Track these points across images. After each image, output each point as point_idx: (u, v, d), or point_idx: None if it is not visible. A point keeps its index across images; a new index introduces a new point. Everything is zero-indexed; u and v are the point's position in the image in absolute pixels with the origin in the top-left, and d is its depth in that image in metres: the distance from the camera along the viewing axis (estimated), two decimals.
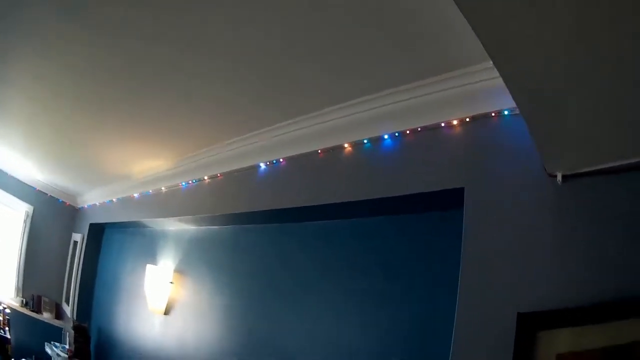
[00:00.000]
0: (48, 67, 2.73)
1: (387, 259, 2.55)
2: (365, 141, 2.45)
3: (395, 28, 1.90)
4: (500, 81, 1.87)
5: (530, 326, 1.73)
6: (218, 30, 2.08)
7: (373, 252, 2.62)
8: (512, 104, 1.88)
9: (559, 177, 1.84)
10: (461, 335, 1.91)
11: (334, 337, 2.71)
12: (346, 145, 2.53)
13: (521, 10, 1.15)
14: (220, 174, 3.40)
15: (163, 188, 4.18)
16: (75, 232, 6.81)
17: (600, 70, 1.33)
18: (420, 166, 2.21)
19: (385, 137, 2.35)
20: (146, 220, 4.59)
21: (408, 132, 2.25)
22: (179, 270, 4.22)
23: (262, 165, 3.02)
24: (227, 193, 3.36)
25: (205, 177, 3.58)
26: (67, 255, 6.80)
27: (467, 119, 2.09)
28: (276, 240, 3.28)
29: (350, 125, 2.47)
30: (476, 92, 2.04)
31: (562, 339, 1.69)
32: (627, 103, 1.44)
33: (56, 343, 5.85)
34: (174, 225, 4.32)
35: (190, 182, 3.76)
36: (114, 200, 5.45)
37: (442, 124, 2.16)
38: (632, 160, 1.67)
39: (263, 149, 3.03)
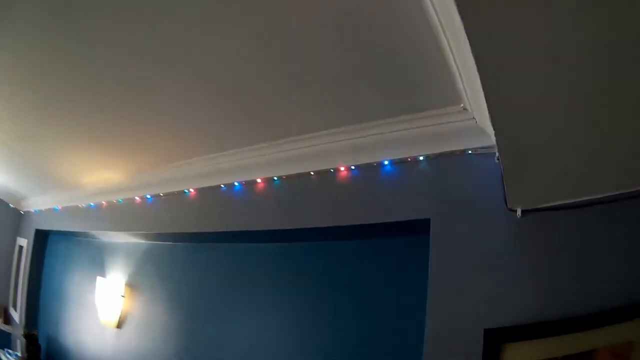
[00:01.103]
0: (19, 61, 2.62)
1: (352, 281, 2.64)
2: (331, 170, 2.53)
3: (376, 66, 2.00)
4: (466, 123, 2.05)
5: (496, 340, 1.98)
6: (193, 51, 2.09)
7: (338, 274, 2.70)
8: (476, 144, 2.07)
9: (519, 212, 2.09)
10: (432, 350, 2.12)
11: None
12: (312, 172, 2.62)
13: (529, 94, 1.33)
14: (190, 190, 3.37)
15: (116, 200, 4.09)
16: (20, 236, 6.53)
17: (577, 133, 1.57)
18: (390, 197, 2.36)
19: (355, 167, 2.44)
20: (95, 232, 4.48)
21: (376, 164, 2.39)
22: (130, 284, 4.15)
23: (223, 187, 3.02)
24: (183, 211, 3.34)
25: (161, 194, 3.53)
26: (13, 260, 6.53)
27: (435, 156, 2.27)
28: (234, 260, 3.30)
29: (321, 154, 2.54)
30: (444, 132, 2.22)
31: (526, 351, 1.95)
32: (590, 158, 1.70)
33: (9, 350, 5.63)
34: (124, 238, 4.24)
35: (146, 197, 3.69)
36: (61, 207, 5.26)
37: (410, 159, 2.33)
38: (581, 199, 1.97)
39: (223, 171, 3.04)
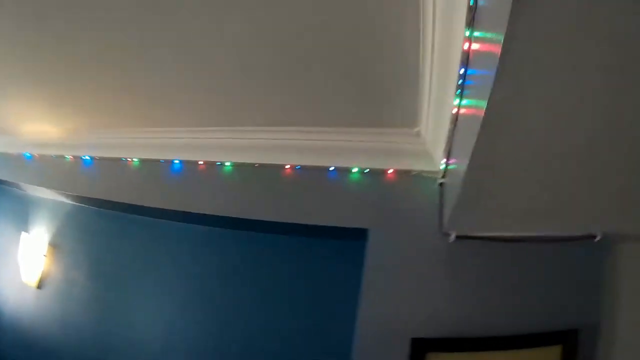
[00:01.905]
0: None
1: (285, 275, 2.71)
2: (283, 166, 2.56)
3: (350, 78, 2.05)
4: (416, 147, 2.17)
5: (421, 349, 2.17)
6: (171, 22, 1.96)
7: (271, 266, 2.75)
8: (421, 167, 2.22)
9: (453, 237, 2.26)
10: (360, 353, 2.25)
11: (195, 331, 2.85)
12: (261, 164, 2.64)
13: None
14: (130, 159, 3.27)
15: (51, 156, 3.92)
16: None
17: (533, 191, 1.77)
18: (333, 202, 2.45)
19: (303, 167, 2.51)
20: (24, 184, 4.29)
21: (324, 169, 2.47)
22: (54, 244, 4.02)
23: (177, 162, 2.96)
24: (118, 180, 3.23)
25: (97, 157, 3.41)
26: None
27: (381, 171, 2.39)
28: (163, 237, 3.25)
29: (273, 149, 2.56)
30: (394, 150, 2.35)
31: None
32: (531, 205, 1.89)
33: None
34: (51, 195, 4.08)
35: (81, 158, 3.57)
36: None
37: (357, 170, 2.44)
38: (511, 234, 2.21)
39: (168, 146, 2.98)
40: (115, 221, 3.49)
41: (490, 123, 1.24)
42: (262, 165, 2.58)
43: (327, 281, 2.61)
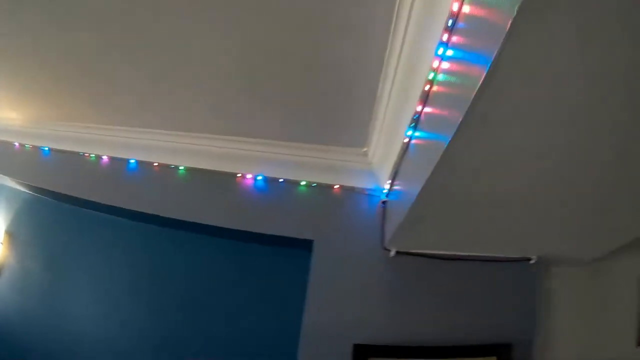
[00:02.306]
0: None
1: (231, 278, 2.74)
2: (236, 174, 2.59)
3: (310, 97, 2.12)
4: (362, 165, 2.24)
5: (363, 354, 2.29)
6: (137, 24, 1.97)
7: (218, 269, 2.78)
8: (366, 185, 2.32)
9: (393, 252, 2.37)
10: (306, 356, 2.33)
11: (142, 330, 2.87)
12: (218, 172, 2.65)
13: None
14: (87, 154, 3.24)
15: (11, 142, 3.88)
16: None
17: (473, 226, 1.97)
18: (281, 212, 2.52)
19: (257, 177, 2.55)
20: None
21: (281, 180, 2.53)
22: (10, 232, 3.99)
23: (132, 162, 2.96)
24: (75, 173, 3.22)
25: (55, 148, 3.38)
26: None
27: (329, 186, 2.48)
28: (115, 234, 3.22)
29: (227, 158, 2.59)
30: (341, 167, 2.46)
31: None
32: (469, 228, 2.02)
33: None
34: (8, 182, 4.04)
35: (41, 149, 3.54)
36: None
37: (305, 183, 2.52)
38: (447, 253, 2.36)
39: (129, 146, 2.97)
40: (70, 214, 3.48)
41: (447, 161, 1.35)
42: (214, 172, 2.62)
43: (274, 287, 2.67)
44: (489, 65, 0.98)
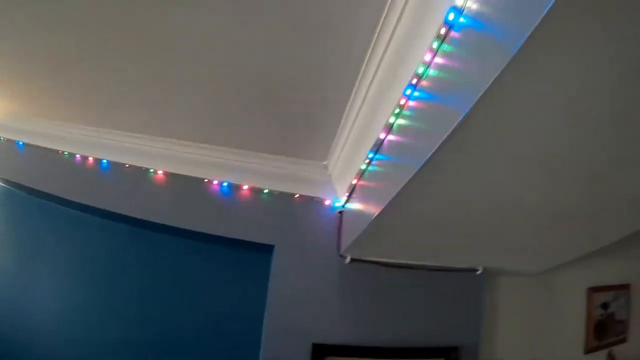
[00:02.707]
0: None
1: (193, 277, 2.84)
2: (203, 180, 2.70)
3: (278, 110, 2.22)
4: (322, 177, 2.39)
5: (321, 353, 2.47)
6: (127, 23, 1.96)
7: (181, 268, 2.88)
8: (325, 196, 2.50)
9: (348, 259, 2.53)
10: (267, 355, 2.48)
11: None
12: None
13: None
14: (61, 151, 3.29)
15: None
16: None
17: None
18: (244, 217, 2.64)
19: (222, 183, 2.66)
20: None
21: (246, 187, 2.65)
22: None
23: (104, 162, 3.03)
24: (49, 169, 3.23)
25: (29, 143, 3.41)
26: None
27: (290, 195, 2.63)
28: (86, 232, 3.21)
29: (194, 163, 2.69)
30: (302, 178, 2.60)
31: None
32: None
33: None
34: None
35: (16, 142, 3.58)
36: None
37: (267, 191, 2.65)
38: (395, 261, 2.56)
39: (101, 146, 3.03)
40: (41, 209, 3.48)
41: (414, 186, 1.53)
42: (183, 176, 2.72)
43: (237, 288, 2.77)
44: (456, 123, 1.16)
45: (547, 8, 0.81)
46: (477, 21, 1.13)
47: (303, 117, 2.21)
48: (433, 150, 1.29)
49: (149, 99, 2.46)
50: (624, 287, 3.07)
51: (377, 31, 1.59)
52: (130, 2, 1.74)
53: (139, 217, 2.75)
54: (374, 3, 1.51)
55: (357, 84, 1.88)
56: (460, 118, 1.13)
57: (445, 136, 1.21)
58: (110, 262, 3.04)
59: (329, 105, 2.07)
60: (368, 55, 1.71)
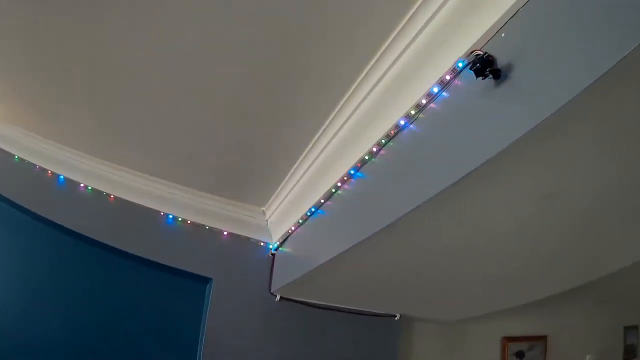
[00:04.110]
0: None
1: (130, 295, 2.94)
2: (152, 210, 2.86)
3: (229, 159, 2.42)
4: (259, 221, 2.63)
5: None
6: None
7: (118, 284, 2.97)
8: (260, 238, 2.71)
9: (278, 297, 2.72)
10: None
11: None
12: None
13: None
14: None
15: None
16: None
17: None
18: (185, 249, 2.79)
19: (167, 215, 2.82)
20: None
21: (189, 222, 2.81)
22: None
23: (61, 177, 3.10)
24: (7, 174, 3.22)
25: None
26: None
27: (229, 234, 2.81)
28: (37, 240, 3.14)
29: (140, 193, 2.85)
30: (240, 220, 2.82)
31: None
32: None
33: None
34: None
35: None
36: None
37: (209, 228, 2.82)
38: (322, 302, 2.77)
39: (59, 161, 3.07)
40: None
41: (356, 253, 1.82)
42: (133, 204, 2.85)
43: (170, 312, 2.86)
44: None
45: None
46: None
47: (248, 167, 2.43)
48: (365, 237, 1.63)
49: (109, 127, 2.55)
50: (540, 338, 3.27)
51: (337, 109, 1.83)
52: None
53: (86, 234, 2.85)
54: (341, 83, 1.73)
55: (304, 153, 2.13)
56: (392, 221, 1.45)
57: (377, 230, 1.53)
58: (53, 273, 2.98)
59: (278, 163, 2.29)
60: (322, 129, 1.94)
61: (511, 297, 2.59)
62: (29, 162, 3.17)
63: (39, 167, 3.13)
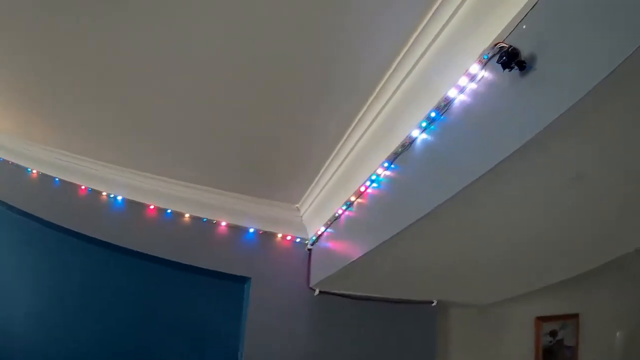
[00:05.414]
0: None
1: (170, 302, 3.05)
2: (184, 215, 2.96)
3: (259, 163, 2.54)
4: (294, 218, 2.78)
5: None
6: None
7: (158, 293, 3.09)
8: (296, 234, 2.89)
9: (317, 291, 2.80)
10: None
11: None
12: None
13: None
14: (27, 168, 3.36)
15: None
16: None
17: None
18: (224, 251, 2.89)
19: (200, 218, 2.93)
20: None
21: (224, 224, 2.89)
22: None
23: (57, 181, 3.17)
24: (20, 185, 3.37)
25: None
26: None
27: (265, 232, 2.91)
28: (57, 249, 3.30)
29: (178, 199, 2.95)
30: (277, 218, 2.90)
31: None
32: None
33: None
34: None
35: None
36: None
37: (246, 228, 2.91)
38: (360, 294, 2.87)
39: (67, 169, 3.16)
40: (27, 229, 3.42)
41: (385, 248, 1.95)
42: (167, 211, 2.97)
43: (211, 314, 2.99)
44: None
45: None
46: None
47: (285, 167, 2.54)
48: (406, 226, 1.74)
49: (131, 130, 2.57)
50: (573, 317, 3.32)
51: (363, 110, 1.94)
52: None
53: (126, 246, 2.94)
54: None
55: (338, 146, 2.22)
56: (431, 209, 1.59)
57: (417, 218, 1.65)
58: (81, 282, 3.15)
59: (312, 158, 2.38)
60: (355, 120, 2.02)
61: (544, 277, 2.65)
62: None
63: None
